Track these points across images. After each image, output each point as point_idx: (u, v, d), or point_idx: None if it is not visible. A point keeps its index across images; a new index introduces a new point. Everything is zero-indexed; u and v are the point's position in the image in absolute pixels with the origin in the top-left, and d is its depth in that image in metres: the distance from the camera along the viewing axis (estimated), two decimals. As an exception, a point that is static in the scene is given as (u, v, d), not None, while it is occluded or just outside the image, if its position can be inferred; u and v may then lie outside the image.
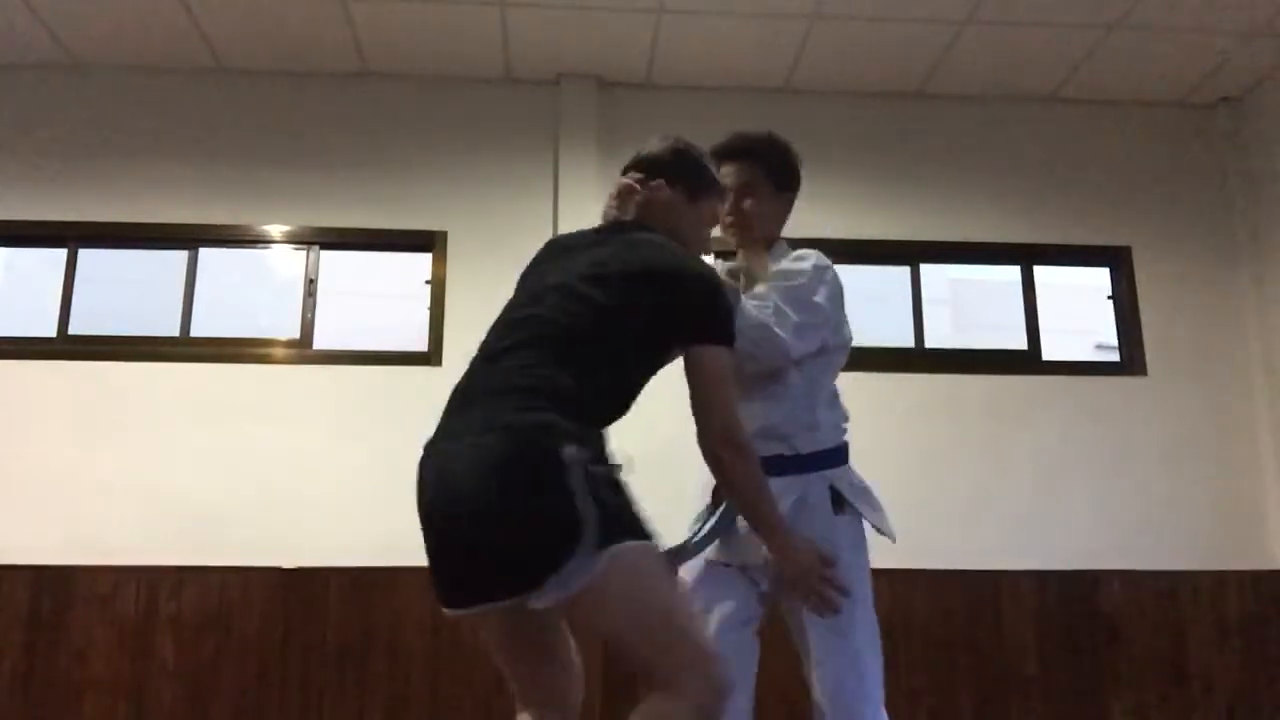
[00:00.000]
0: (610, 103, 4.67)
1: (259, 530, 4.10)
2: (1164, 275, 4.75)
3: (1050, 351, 4.73)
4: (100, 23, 4.30)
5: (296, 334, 4.47)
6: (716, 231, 2.27)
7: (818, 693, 2.07)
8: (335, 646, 4.03)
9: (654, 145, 2.14)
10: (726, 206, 2.29)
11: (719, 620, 2.14)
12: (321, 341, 4.48)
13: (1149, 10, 4.20)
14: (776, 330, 2.08)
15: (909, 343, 4.66)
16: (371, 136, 4.64)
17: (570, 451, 1.68)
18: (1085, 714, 4.20)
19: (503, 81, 4.73)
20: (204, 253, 4.52)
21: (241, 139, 4.59)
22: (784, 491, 2.08)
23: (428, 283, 4.54)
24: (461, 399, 1.86)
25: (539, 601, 1.67)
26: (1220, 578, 4.37)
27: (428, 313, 4.50)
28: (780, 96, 4.80)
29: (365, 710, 3.98)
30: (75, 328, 4.41)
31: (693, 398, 1.90)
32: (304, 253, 4.57)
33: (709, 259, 2.36)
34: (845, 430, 2.25)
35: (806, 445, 2.16)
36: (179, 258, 4.51)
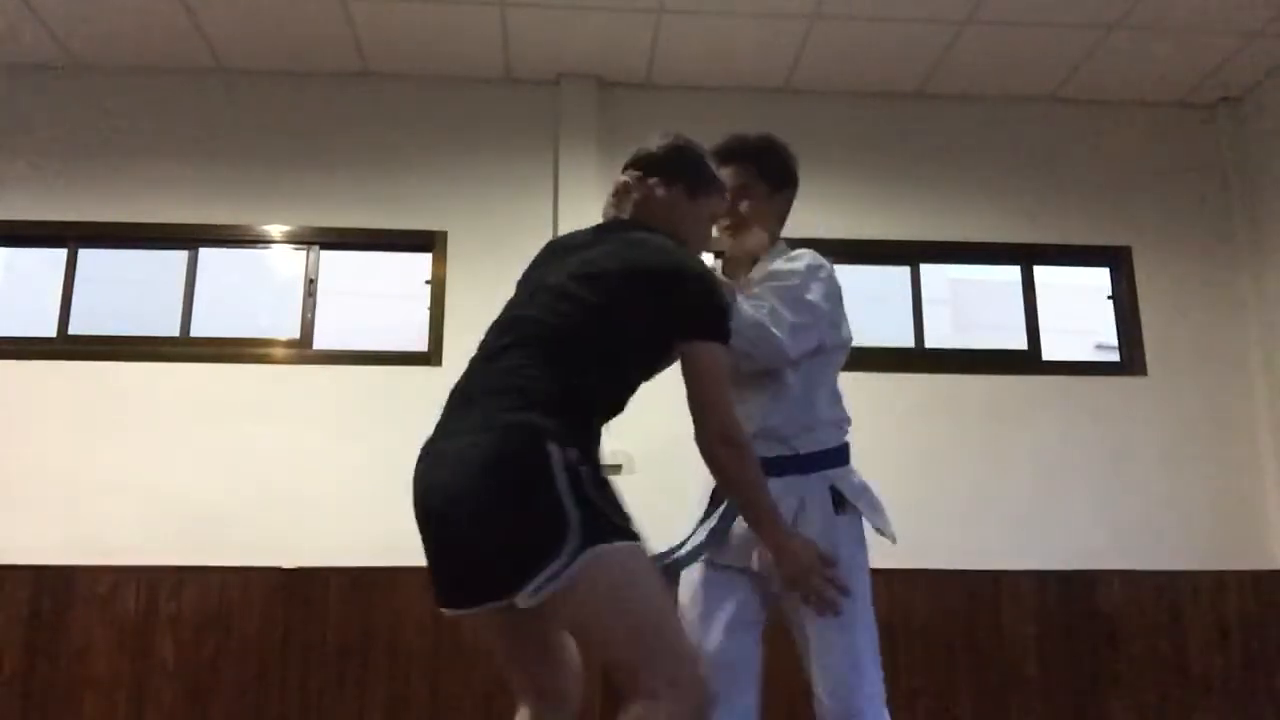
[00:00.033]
0: (610, 103, 4.67)
1: (259, 530, 4.10)
2: (1164, 275, 4.75)
3: (1050, 351, 4.73)
4: (100, 23, 4.30)
5: (296, 334, 4.47)
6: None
7: (818, 688, 2.07)
8: (335, 646, 4.03)
9: (654, 142, 2.13)
10: (724, 209, 2.29)
11: (721, 623, 2.14)
12: (321, 341, 4.48)
13: (1149, 10, 4.20)
14: (773, 330, 2.08)
15: (909, 343, 4.66)
16: (371, 136, 4.64)
17: (555, 451, 1.69)
18: (1085, 714, 4.20)
19: (503, 81, 4.73)
20: (204, 253, 4.52)
21: (241, 139, 4.59)
22: (784, 492, 2.08)
23: (428, 283, 4.54)
24: (457, 399, 1.88)
25: (525, 601, 1.67)
26: (1220, 578, 4.37)
27: (428, 313, 4.50)
28: (780, 96, 4.80)
29: (365, 710, 3.98)
30: (75, 328, 4.41)
31: (689, 396, 1.90)
32: (304, 253, 4.57)
33: (709, 258, 2.36)
34: (846, 430, 2.24)
35: (806, 446, 2.16)
36: (179, 258, 4.51)
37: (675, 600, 2.17)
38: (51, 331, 4.39)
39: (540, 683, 1.92)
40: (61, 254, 4.50)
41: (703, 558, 2.16)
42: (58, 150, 4.51)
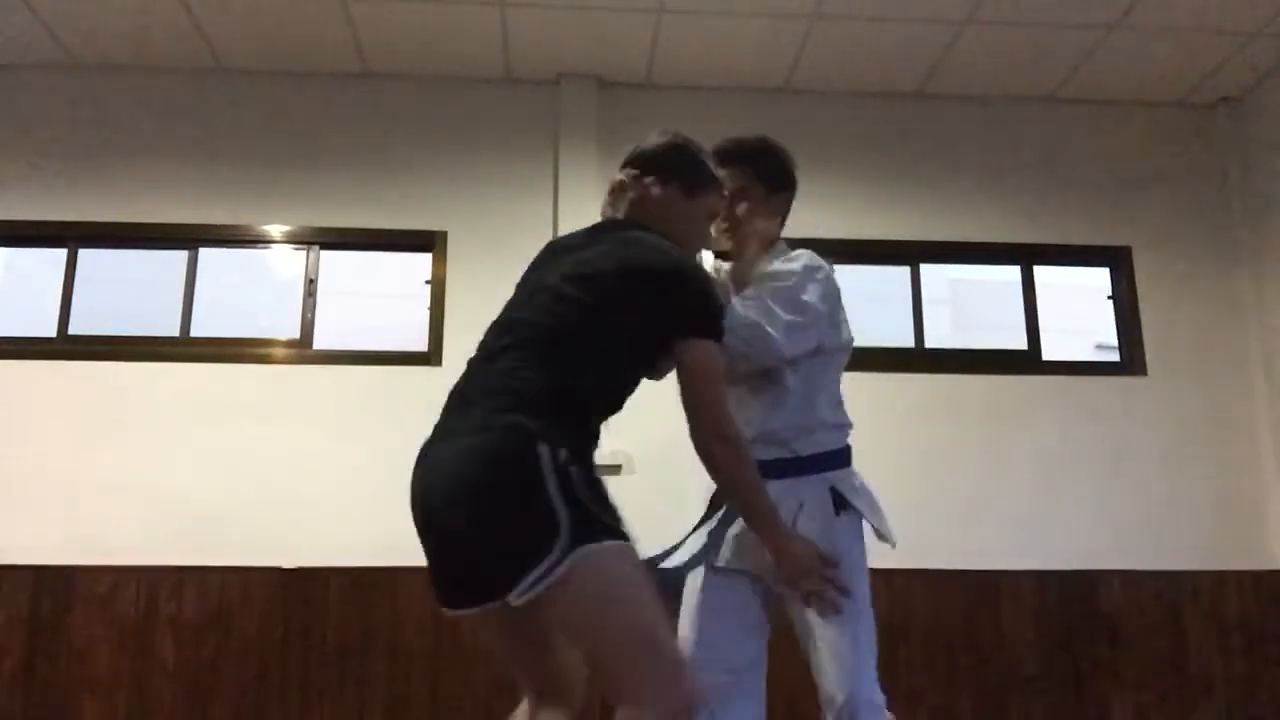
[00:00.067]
0: (610, 103, 4.67)
1: (259, 530, 4.10)
2: (1164, 275, 4.75)
3: (1050, 351, 4.73)
4: (100, 23, 4.30)
5: (296, 334, 4.47)
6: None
7: (820, 683, 2.07)
8: (335, 646, 4.03)
9: (651, 141, 2.13)
10: (721, 212, 2.30)
11: (724, 627, 2.14)
12: (321, 341, 4.48)
13: (1149, 10, 4.20)
14: (768, 329, 2.08)
15: (909, 343, 4.66)
16: (371, 136, 4.64)
17: (545, 452, 1.70)
18: (1085, 714, 4.20)
19: (503, 81, 4.73)
20: (204, 253, 4.52)
21: (241, 139, 4.59)
22: (784, 494, 2.08)
23: (428, 283, 4.54)
24: (455, 400, 1.89)
25: (516, 599, 1.67)
26: (1220, 578, 4.37)
27: (428, 313, 4.50)
28: (780, 96, 4.80)
29: (365, 710, 3.98)
30: (75, 328, 4.41)
31: (683, 394, 1.90)
32: (304, 253, 4.57)
33: (708, 257, 2.36)
34: (847, 433, 2.24)
35: (806, 448, 2.15)
36: (179, 258, 4.51)
37: (678, 603, 2.17)
38: (51, 331, 4.39)
39: (542, 678, 1.93)
40: (61, 254, 4.50)
41: (706, 561, 2.16)
42: (58, 150, 4.51)
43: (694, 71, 4.66)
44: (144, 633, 3.98)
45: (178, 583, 4.03)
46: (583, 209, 4.03)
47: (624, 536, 1.76)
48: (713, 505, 2.20)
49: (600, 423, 1.91)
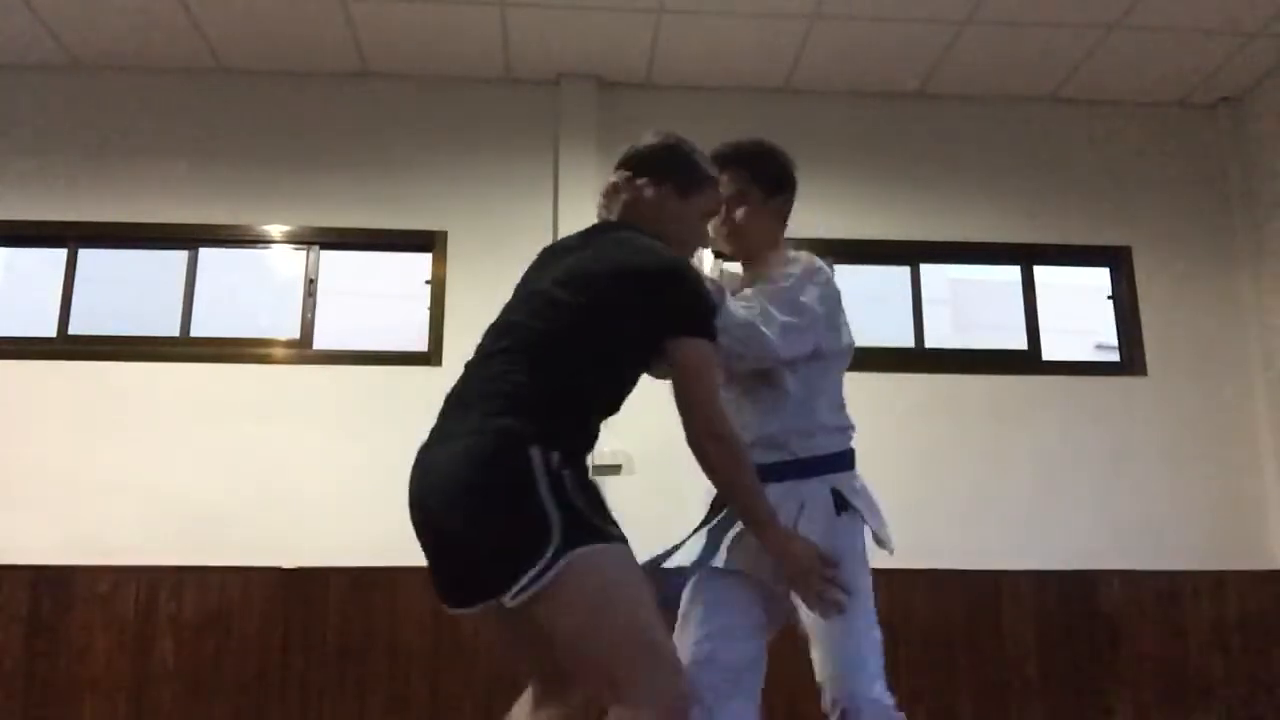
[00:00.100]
0: (610, 103, 4.67)
1: (259, 530, 4.10)
2: (1164, 275, 4.75)
3: (1050, 351, 4.73)
4: (100, 23, 4.30)
5: (296, 334, 4.47)
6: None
7: (822, 679, 2.07)
8: (335, 646, 4.03)
9: (644, 142, 2.13)
10: (719, 216, 2.29)
11: (722, 629, 2.13)
12: (321, 341, 4.48)
13: (1149, 10, 4.20)
14: (762, 329, 2.07)
15: (909, 343, 4.66)
16: (371, 136, 4.64)
17: (537, 455, 1.71)
18: (1085, 714, 4.20)
19: (503, 81, 4.73)
20: (204, 253, 4.52)
21: (241, 139, 4.59)
22: (784, 496, 2.08)
23: (428, 283, 4.54)
24: (451, 403, 1.90)
25: (510, 602, 1.69)
26: (1220, 578, 4.37)
27: (428, 313, 4.50)
28: (780, 96, 4.79)
29: (365, 710, 3.98)
30: (75, 328, 4.41)
31: (676, 393, 1.91)
32: (304, 253, 4.57)
33: (709, 256, 2.36)
34: (850, 437, 2.24)
35: (806, 450, 2.15)
36: (179, 258, 4.51)
37: (678, 606, 2.17)
38: (51, 331, 4.40)
39: (545, 669, 1.94)
40: (61, 254, 4.50)
41: (706, 563, 2.16)
42: (58, 150, 4.51)
43: (694, 71, 4.66)
44: (144, 633, 3.98)
45: (178, 583, 4.03)
46: (583, 209, 4.02)
47: (617, 539, 1.77)
48: (714, 508, 2.20)
49: (598, 423, 1.92)
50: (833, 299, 2.21)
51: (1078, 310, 5.37)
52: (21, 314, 4.70)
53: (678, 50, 4.49)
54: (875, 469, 2.30)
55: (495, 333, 1.95)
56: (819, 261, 2.25)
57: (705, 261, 2.97)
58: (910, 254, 4.75)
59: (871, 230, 4.70)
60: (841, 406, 2.25)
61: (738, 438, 1.93)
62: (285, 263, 4.84)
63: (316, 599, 4.05)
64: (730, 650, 2.12)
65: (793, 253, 2.29)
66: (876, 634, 2.10)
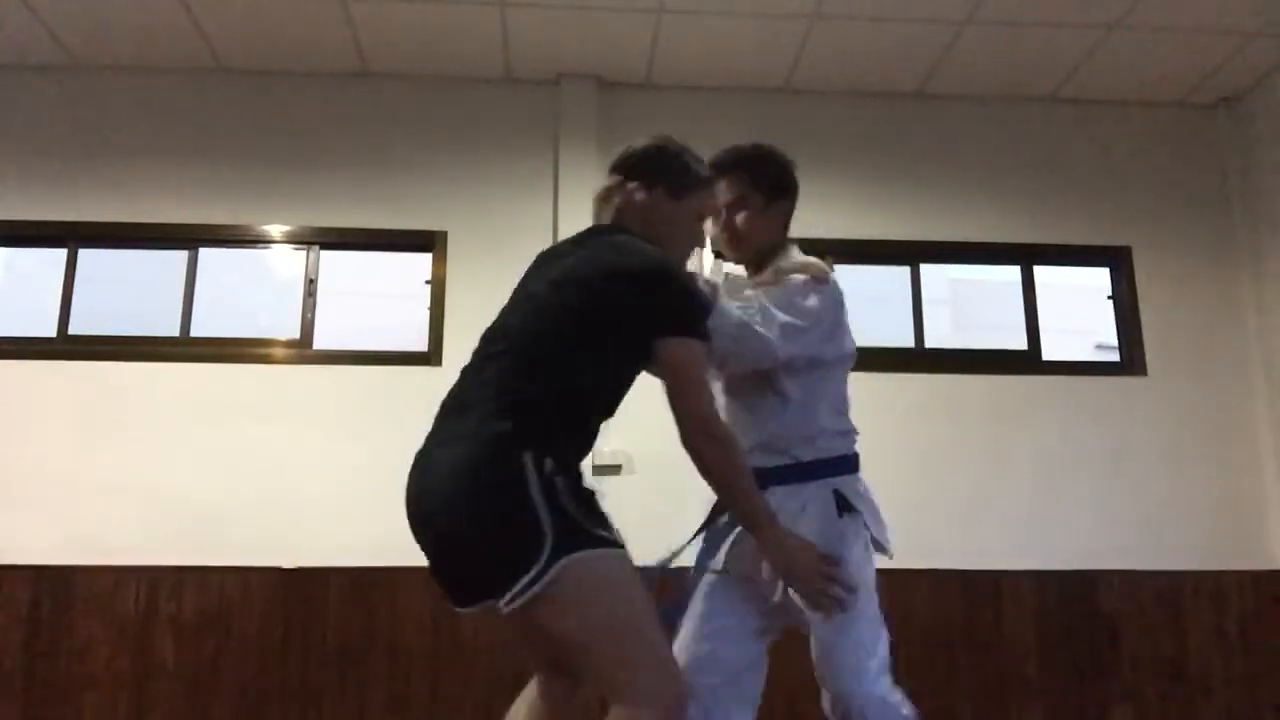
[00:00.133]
0: (610, 103, 4.67)
1: (259, 530, 4.10)
2: (1164, 275, 4.75)
3: (1050, 351, 4.73)
4: (100, 23, 4.30)
5: (296, 334, 4.47)
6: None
7: (822, 677, 2.07)
8: (335, 646, 4.03)
9: (635, 145, 2.14)
10: (720, 222, 2.29)
11: (721, 630, 2.14)
12: (321, 341, 4.48)
13: (1149, 10, 4.20)
14: (759, 329, 2.07)
15: (909, 343, 4.66)
16: (371, 136, 4.64)
17: (529, 461, 1.72)
18: (1085, 714, 4.20)
19: (503, 81, 4.73)
20: (204, 253, 4.52)
21: (241, 139, 4.59)
22: (786, 498, 2.08)
23: (428, 283, 4.54)
24: (447, 407, 1.92)
25: (506, 608, 1.71)
26: (1220, 578, 4.37)
27: (428, 313, 4.50)
28: (780, 96, 4.80)
29: (365, 710, 3.98)
30: (75, 328, 4.41)
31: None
32: (304, 253, 4.57)
33: (709, 257, 2.36)
34: (853, 441, 2.23)
35: (808, 454, 2.15)
36: (179, 258, 4.51)
37: (683, 608, 2.17)
38: (51, 331, 4.40)
39: (552, 662, 1.96)
40: (61, 254, 4.50)
41: (706, 566, 2.16)
42: (58, 150, 4.51)
43: (694, 71, 4.66)
44: (144, 633, 3.98)
45: (178, 583, 4.03)
46: (583, 209, 3.99)
47: (612, 543, 1.78)
48: (715, 511, 2.20)
49: (597, 425, 1.93)
50: (835, 304, 2.20)
51: (1078, 310, 5.37)
52: (21, 314, 4.70)
53: (678, 50, 4.49)
54: (875, 469, 2.30)
55: (491, 336, 1.97)
56: (824, 266, 2.23)
57: (706, 262, 2.97)
58: (910, 254, 4.75)
59: (871, 230, 4.70)
60: (845, 411, 2.25)
61: (732, 437, 1.93)
62: (285, 263, 4.84)
63: (316, 599, 4.05)
64: (729, 652, 2.13)
65: (799, 256, 2.28)
66: (883, 632, 2.10)
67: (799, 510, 2.09)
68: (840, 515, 2.11)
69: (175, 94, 4.62)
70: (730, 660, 2.12)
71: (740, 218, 2.28)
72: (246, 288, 5.32)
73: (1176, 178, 4.86)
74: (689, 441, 1.90)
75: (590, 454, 1.93)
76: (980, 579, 4.28)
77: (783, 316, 2.10)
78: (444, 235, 4.55)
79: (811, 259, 2.27)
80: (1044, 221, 4.77)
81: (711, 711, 2.07)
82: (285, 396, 4.30)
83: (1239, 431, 4.58)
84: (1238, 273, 4.75)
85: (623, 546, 1.80)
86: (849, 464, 2.20)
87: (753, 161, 2.30)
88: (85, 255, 4.52)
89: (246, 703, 3.95)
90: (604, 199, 2.12)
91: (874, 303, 4.28)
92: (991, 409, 4.52)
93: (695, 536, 2.21)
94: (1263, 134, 4.72)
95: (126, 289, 4.89)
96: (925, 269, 4.78)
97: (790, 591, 2.05)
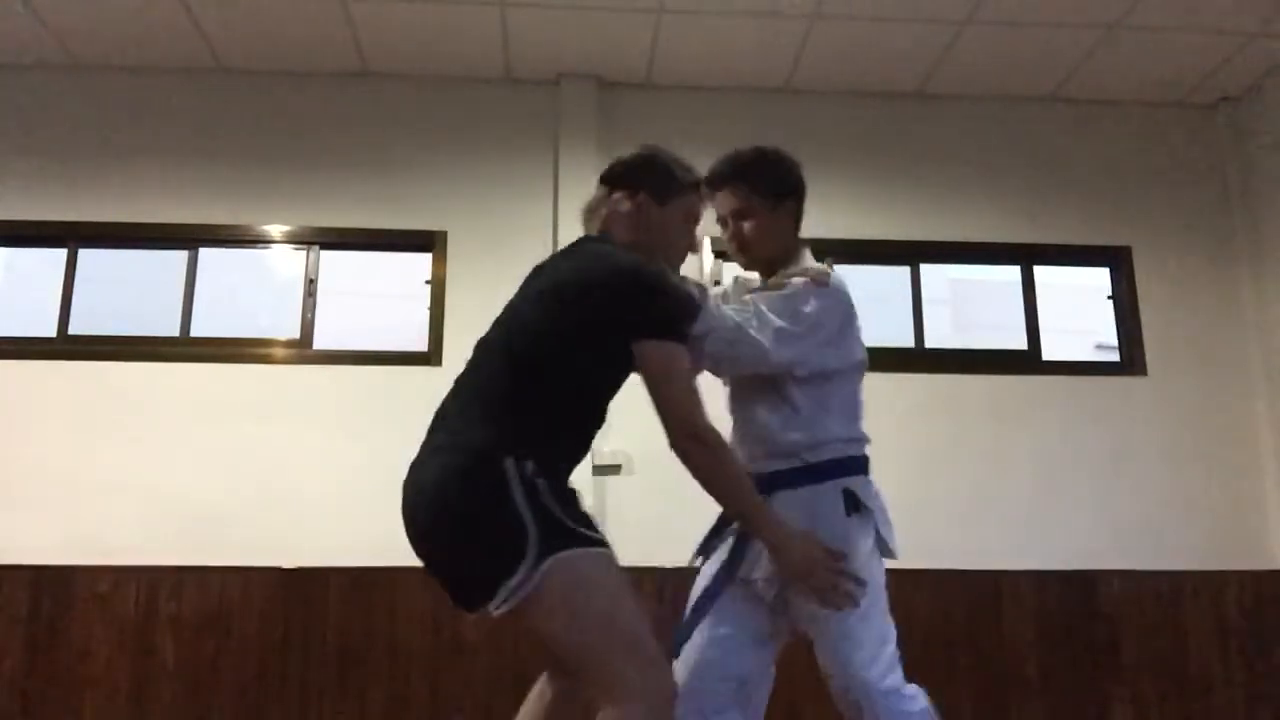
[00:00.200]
0: (610, 103, 4.67)
1: (259, 530, 4.10)
2: (1164, 275, 4.74)
3: (1050, 351, 4.73)
4: (100, 23, 4.30)
5: (296, 334, 4.47)
6: (717, 232, 2.28)
7: (828, 675, 2.07)
8: (335, 646, 4.02)
9: (621, 156, 2.17)
10: (728, 231, 2.28)
11: (726, 636, 2.13)
12: (321, 341, 4.48)
13: (1149, 10, 4.20)
14: (753, 333, 2.07)
15: (909, 343, 4.66)
16: (371, 136, 4.63)
17: (511, 466, 1.76)
18: (1085, 714, 4.20)
19: (503, 81, 4.73)
20: (204, 253, 4.52)
21: (241, 139, 4.59)
22: (795, 500, 2.08)
23: (428, 283, 4.54)
24: (438, 417, 1.96)
25: (496, 611, 1.74)
26: (1220, 578, 4.37)
27: (428, 313, 4.50)
28: (780, 96, 4.79)
29: (365, 710, 3.98)
30: (75, 328, 4.41)
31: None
32: (304, 253, 4.57)
33: (709, 257, 2.36)
34: (864, 445, 2.22)
35: (817, 457, 2.15)
36: (179, 258, 4.51)
37: (693, 611, 2.17)
38: (51, 331, 4.39)
39: (557, 660, 1.97)
40: (61, 254, 4.50)
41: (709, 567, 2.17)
42: (58, 150, 4.51)
43: (694, 71, 4.66)
44: (144, 633, 3.98)
45: (178, 583, 4.03)
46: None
47: (596, 543, 1.80)
48: (720, 521, 2.20)
49: (591, 430, 1.96)
50: (838, 311, 2.17)
51: (1078, 310, 5.37)
52: (21, 314, 4.70)
53: (678, 50, 4.49)
54: (875, 469, 2.29)
55: (482, 346, 2.01)
56: (832, 272, 2.21)
57: (706, 262, 2.97)
58: (910, 254, 4.75)
59: (871, 230, 4.70)
60: (856, 417, 2.24)
61: (717, 436, 1.92)
62: (285, 263, 4.84)
63: (316, 599, 4.05)
64: (732, 658, 2.12)
65: (811, 262, 2.25)
66: (891, 627, 2.10)
67: (807, 509, 2.09)
68: (849, 514, 2.11)
69: (175, 94, 4.62)
70: (735, 666, 2.12)
71: (747, 226, 2.27)
72: (246, 288, 5.32)
73: (1176, 178, 4.86)
74: (675, 445, 1.91)
75: (590, 455, 1.94)
76: (980, 579, 4.28)
77: (778, 321, 2.09)
78: (444, 235, 4.55)
79: (814, 264, 2.26)
80: (1044, 221, 4.77)
81: (710, 717, 2.07)
82: (285, 396, 4.30)
83: (1239, 431, 4.58)
84: (1238, 273, 4.75)
85: (607, 545, 1.83)
86: (859, 465, 2.20)
87: (750, 168, 2.28)
88: (85, 255, 4.52)
89: (246, 703, 3.95)
90: (591, 210, 2.16)
91: (874, 303, 4.25)
92: (991, 409, 4.52)
93: (706, 541, 2.20)
94: (1263, 134, 4.71)
95: (126, 289, 4.89)
96: (925, 269, 4.78)
97: (796, 590, 2.04)
